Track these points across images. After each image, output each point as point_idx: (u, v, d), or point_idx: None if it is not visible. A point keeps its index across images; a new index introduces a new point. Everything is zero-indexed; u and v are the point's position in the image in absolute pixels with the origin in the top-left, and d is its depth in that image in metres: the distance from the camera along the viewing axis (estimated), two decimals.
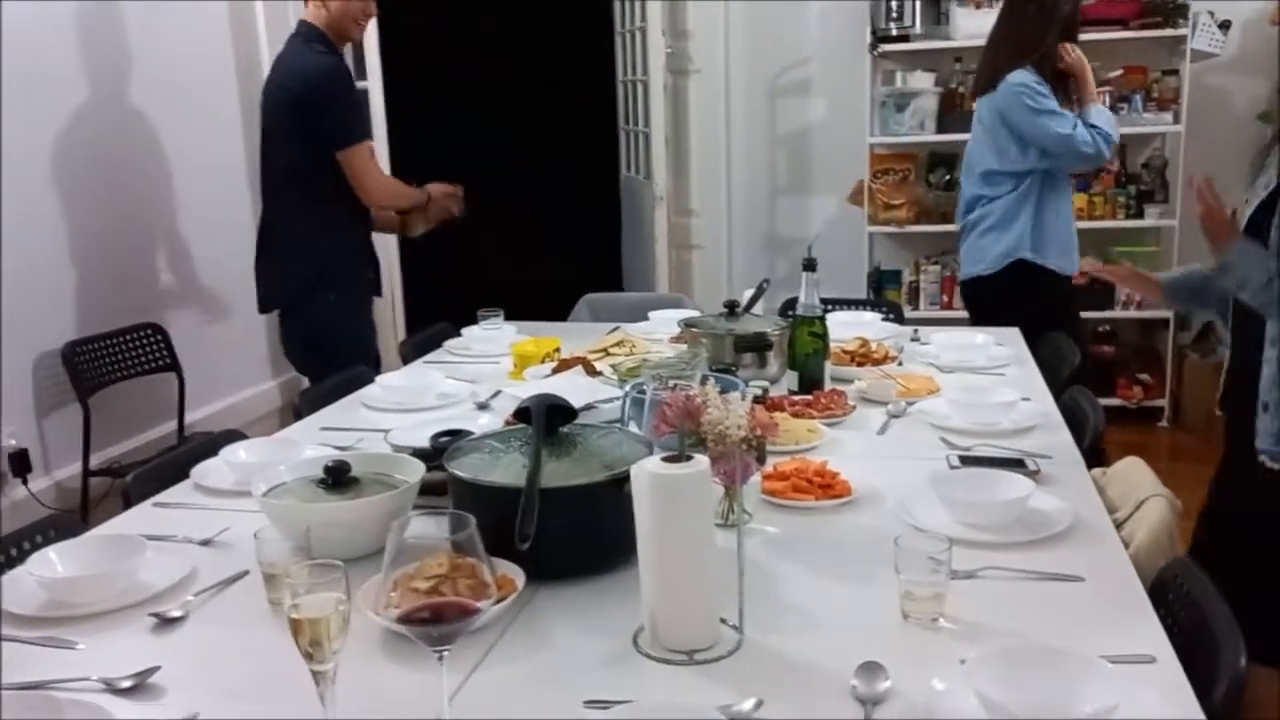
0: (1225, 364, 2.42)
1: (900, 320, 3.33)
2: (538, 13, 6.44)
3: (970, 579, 1.49)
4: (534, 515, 1.45)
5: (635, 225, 5.39)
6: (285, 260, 3.37)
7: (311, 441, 2.23)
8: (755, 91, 5.29)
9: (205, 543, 1.75)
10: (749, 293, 2.91)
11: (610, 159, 5.68)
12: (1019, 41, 3.35)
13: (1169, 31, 4.55)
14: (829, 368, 2.43)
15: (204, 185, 4.29)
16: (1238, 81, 4.78)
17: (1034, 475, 1.85)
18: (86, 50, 3.75)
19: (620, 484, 1.53)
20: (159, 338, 3.74)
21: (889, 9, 4.78)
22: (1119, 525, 1.70)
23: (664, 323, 3.21)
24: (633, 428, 1.93)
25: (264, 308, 3.48)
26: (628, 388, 1.95)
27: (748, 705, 1.19)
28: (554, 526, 1.47)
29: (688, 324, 2.68)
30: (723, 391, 2.10)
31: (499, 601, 1.37)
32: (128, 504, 1.97)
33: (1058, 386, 2.54)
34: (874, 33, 4.80)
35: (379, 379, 2.70)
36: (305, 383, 3.70)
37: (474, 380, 2.72)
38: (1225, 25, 4.50)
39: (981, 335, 2.83)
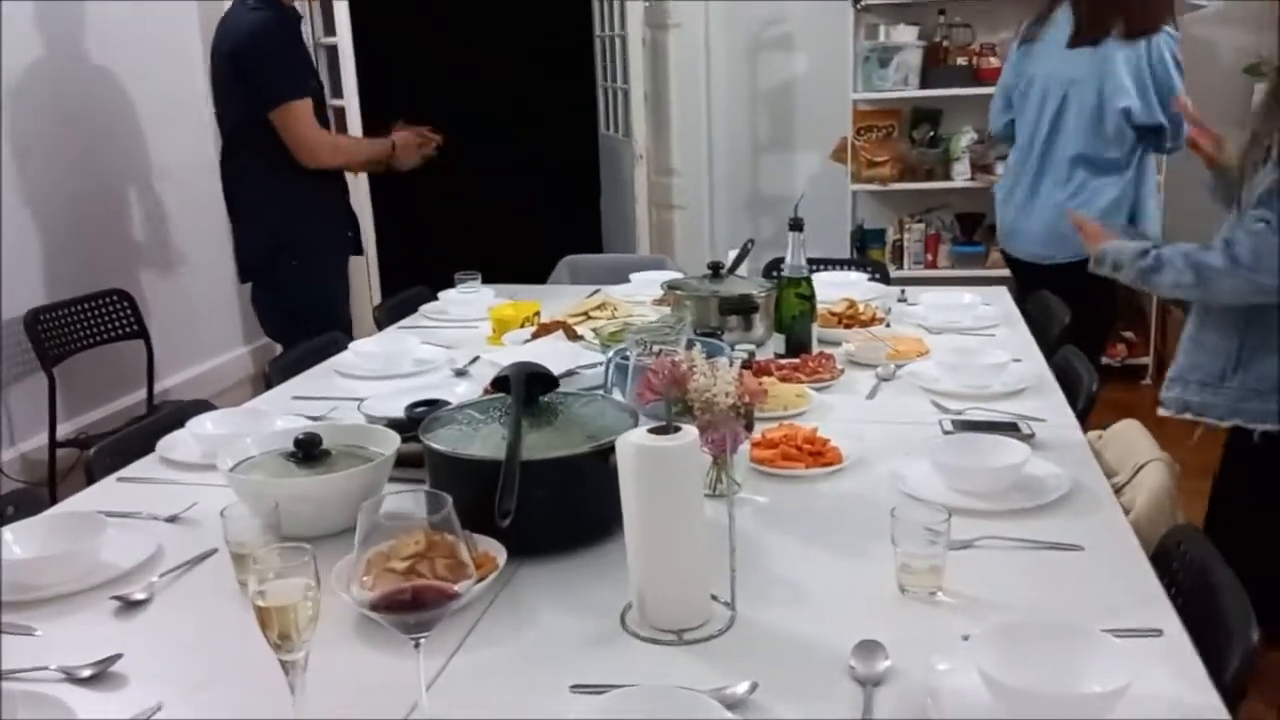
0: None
1: (886, 280, 3.27)
2: None
3: (966, 549, 1.44)
4: (515, 490, 1.38)
5: (615, 185, 5.30)
6: (248, 228, 3.28)
7: (282, 412, 2.15)
8: (736, 46, 5.18)
9: (171, 519, 1.68)
10: (733, 253, 2.84)
11: (588, 117, 5.57)
12: None
13: None
14: (816, 330, 2.37)
15: (174, 145, 4.16)
16: (1225, 33, 4.71)
17: (1028, 439, 1.80)
18: (39, 5, 3.61)
19: (604, 455, 1.47)
20: (126, 304, 3.64)
21: None
22: (1118, 490, 1.65)
23: (646, 285, 3.13)
24: (616, 395, 1.87)
25: (242, 277, 3.39)
26: (611, 354, 1.89)
27: (741, 688, 1.13)
28: (536, 500, 1.41)
29: (671, 286, 2.61)
30: (708, 356, 2.05)
31: (480, 581, 1.31)
32: (91, 479, 1.89)
33: (1048, 346, 2.49)
34: None
35: (352, 345, 2.62)
36: (279, 350, 3.62)
37: (451, 346, 2.64)
38: None
39: (969, 295, 2.77)
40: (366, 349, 2.57)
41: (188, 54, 4.27)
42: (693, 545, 1.28)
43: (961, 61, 4.68)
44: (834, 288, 2.88)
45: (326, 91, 3.61)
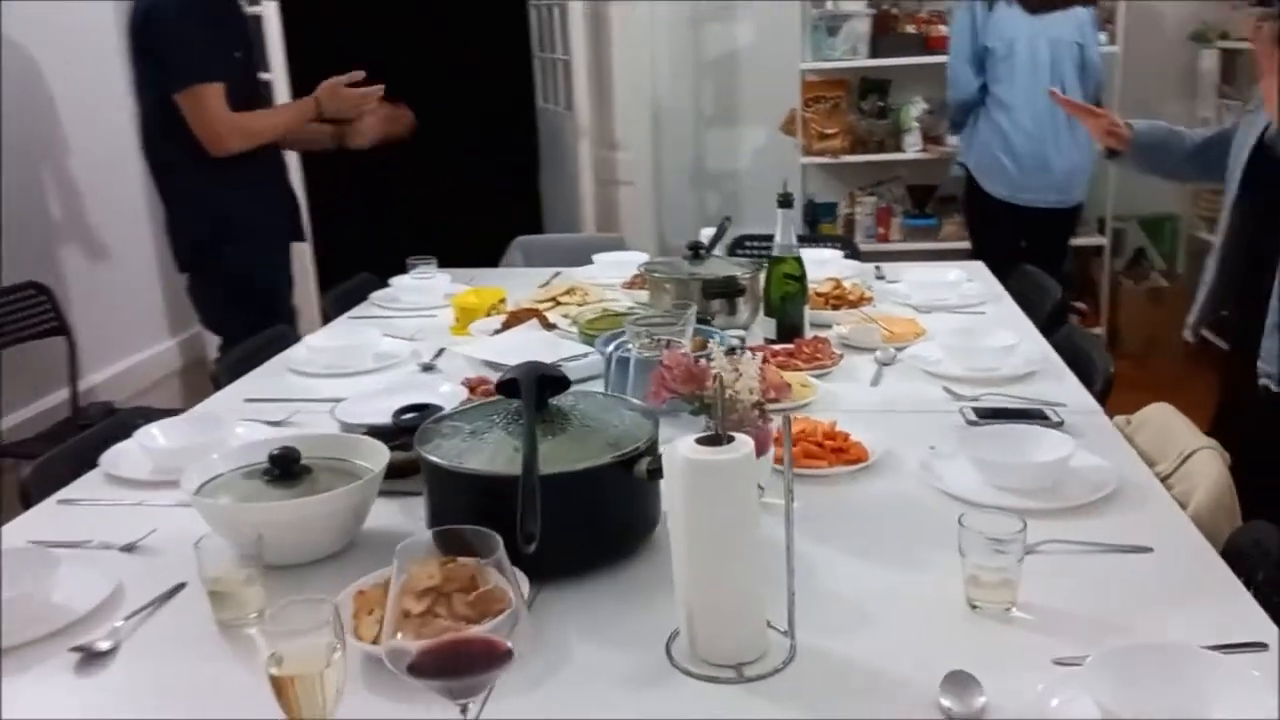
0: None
1: (857, 256, 3.15)
2: None
3: (1029, 554, 1.31)
4: (537, 509, 1.22)
5: (556, 161, 5.10)
6: (181, 214, 3.02)
7: (237, 416, 1.95)
8: (680, 15, 5.01)
9: (128, 549, 1.48)
10: (708, 232, 2.70)
11: (524, 89, 5.36)
12: None
13: None
14: (808, 313, 2.24)
15: (91, 127, 3.84)
16: (1169, 3, 4.69)
17: (1058, 428, 1.70)
18: None
19: (629, 465, 1.32)
20: (44, 298, 3.35)
21: None
22: (1163, 481, 1.55)
23: (611, 266, 2.98)
24: (620, 391, 1.72)
25: (180, 266, 3.12)
26: (610, 347, 1.73)
27: None
28: (556, 518, 1.25)
29: (649, 268, 2.46)
30: (705, 344, 1.90)
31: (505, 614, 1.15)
32: (27, 502, 1.67)
33: (1040, 323, 2.40)
34: None
35: (306, 340, 2.42)
36: (210, 341, 3.37)
37: (412, 337, 2.46)
38: None
39: (954, 271, 2.67)
40: (321, 343, 2.37)
41: (105, 29, 3.95)
42: (751, 568, 1.13)
43: (910, 30, 4.58)
44: (811, 266, 2.74)
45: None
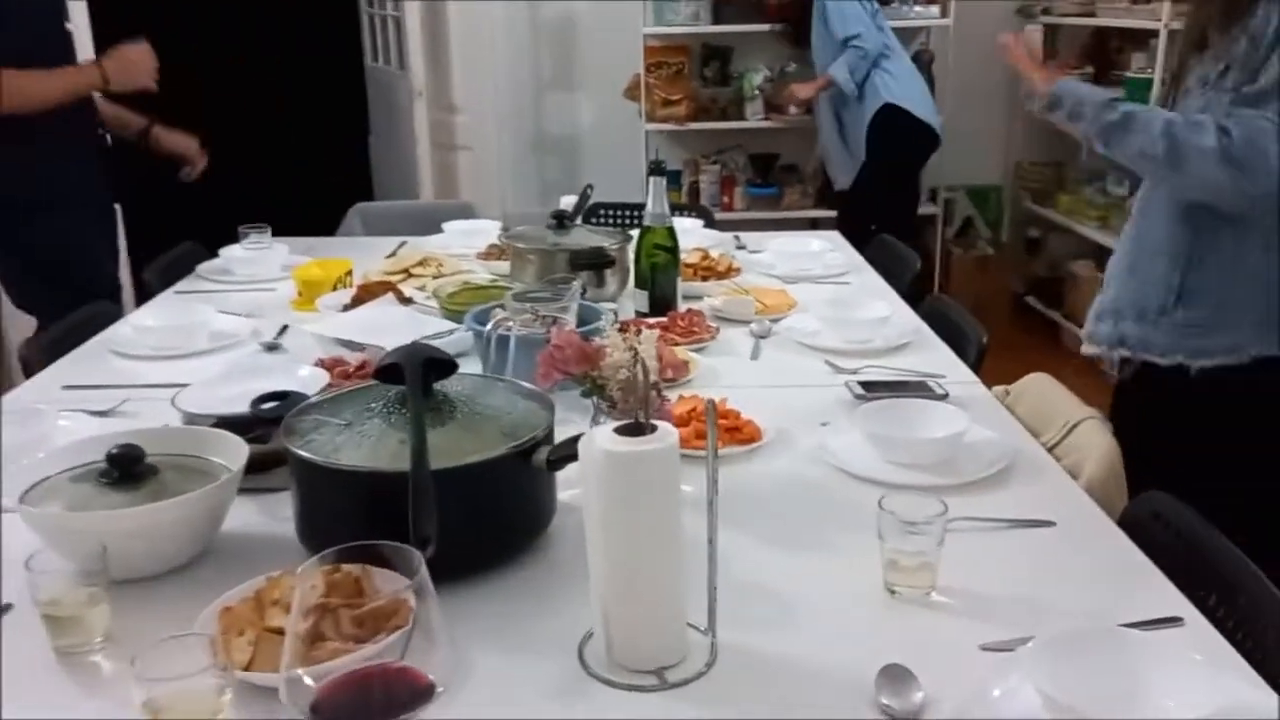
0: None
1: (712, 225, 3.10)
2: None
3: None
4: (431, 507, 1.10)
5: (388, 123, 4.86)
6: None
7: (56, 407, 1.73)
8: None
9: None
10: (568, 200, 2.59)
11: (351, 46, 5.07)
12: None
13: None
14: (681, 285, 2.18)
15: None
16: None
17: (943, 400, 1.69)
18: None
19: (527, 455, 1.22)
20: None
21: None
22: (1050, 452, 1.56)
23: (462, 235, 2.83)
24: (500, 374, 1.60)
25: None
26: (489, 325, 1.61)
27: None
28: (450, 516, 1.13)
29: (510, 239, 2.33)
30: (584, 322, 1.80)
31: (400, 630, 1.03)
32: None
33: (902, 293, 2.41)
34: None
35: (129, 318, 2.19)
36: (21, 325, 3.03)
37: (250, 314, 2.26)
38: None
39: (817, 241, 2.66)
40: (147, 322, 2.15)
41: None
42: (674, 566, 1.05)
43: None
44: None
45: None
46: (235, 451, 1.32)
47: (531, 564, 1.25)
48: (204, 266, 2.64)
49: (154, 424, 1.61)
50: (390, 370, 1.26)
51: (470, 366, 1.84)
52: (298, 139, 5.66)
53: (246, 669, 1.01)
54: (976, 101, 4.72)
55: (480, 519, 1.20)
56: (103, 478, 1.26)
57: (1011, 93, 4.89)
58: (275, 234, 2.72)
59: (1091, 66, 4.42)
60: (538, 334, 1.55)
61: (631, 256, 2.26)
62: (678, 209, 3.39)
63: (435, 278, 2.41)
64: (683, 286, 2.22)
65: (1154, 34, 3.92)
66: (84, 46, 3.67)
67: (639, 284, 2.16)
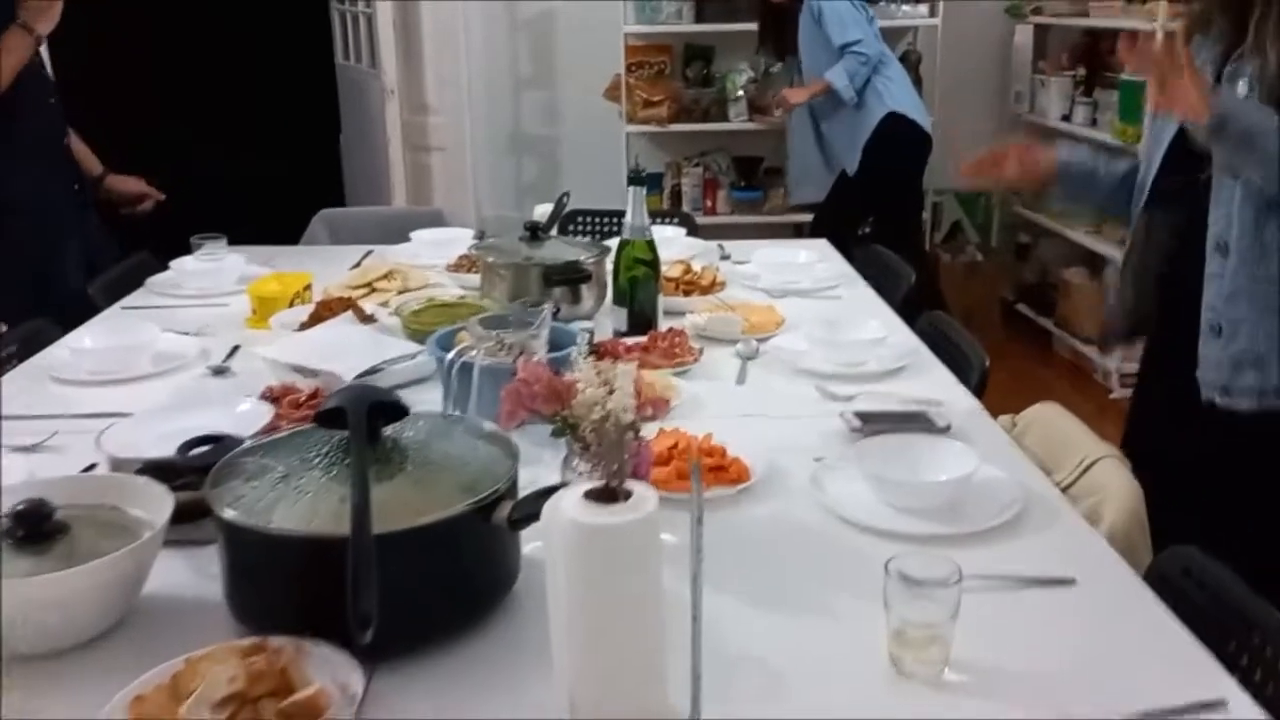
0: (1124, 305, 1.88)
1: (694, 231, 2.96)
2: None
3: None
4: (373, 582, 0.96)
5: (360, 124, 4.70)
6: None
7: None
8: None
9: None
10: (542, 209, 2.45)
11: (322, 44, 4.90)
12: None
13: None
14: (662, 301, 2.04)
15: None
16: None
17: (945, 433, 1.56)
18: None
19: (487, 512, 1.08)
20: None
21: None
22: (1064, 492, 1.43)
23: (431, 245, 2.69)
24: (463, 408, 1.46)
25: None
26: (450, 354, 1.46)
27: None
28: (398, 585, 0.99)
29: (480, 251, 2.19)
30: (558, 346, 1.67)
31: None
32: None
33: (895, 308, 2.28)
34: None
35: (66, 339, 2.03)
36: None
37: (200, 332, 2.11)
38: None
39: (804, 252, 2.52)
40: (86, 344, 1.99)
41: None
42: (650, 650, 0.92)
43: None
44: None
45: None
46: (159, 504, 1.17)
47: (492, 634, 1.10)
48: (153, 280, 2.48)
49: (84, 460, 1.48)
50: (332, 415, 1.11)
51: (432, 394, 1.71)
52: (264, 140, 5.47)
53: None
54: (965, 103, 4.59)
55: (433, 587, 1.06)
56: (6, 537, 1.11)
57: (1001, 93, 4.78)
58: (238, 242, 2.56)
59: (1083, 68, 4.31)
60: (504, 364, 1.40)
61: (609, 270, 2.12)
62: (658, 216, 3.26)
63: (401, 292, 2.27)
64: (664, 302, 2.08)
65: (1149, 35, 3.81)
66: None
67: (617, 300, 2.02)
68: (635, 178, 2.01)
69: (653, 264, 2.01)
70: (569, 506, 0.88)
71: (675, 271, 2.27)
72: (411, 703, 1.00)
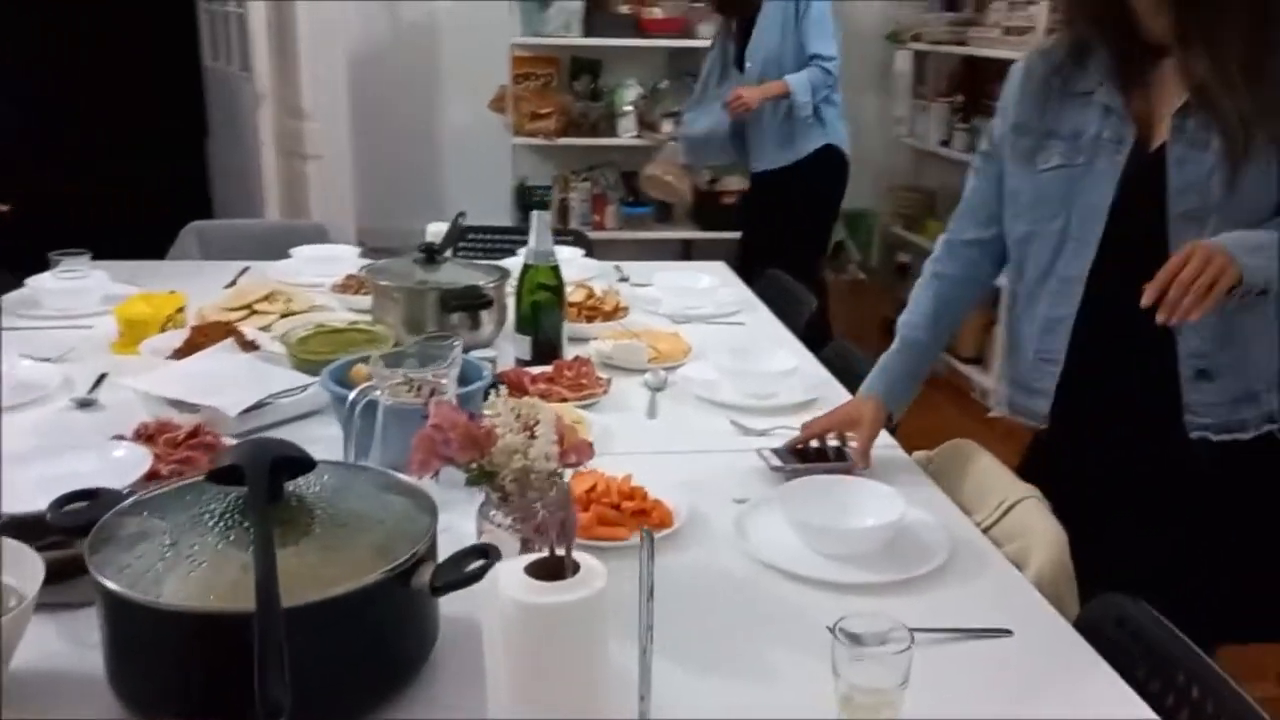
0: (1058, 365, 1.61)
1: (590, 252, 2.89)
2: None
3: (885, 645, 1.11)
4: (283, 664, 0.86)
5: (229, 129, 4.48)
6: None
7: None
8: None
9: None
10: (435, 229, 2.35)
11: (186, 42, 4.65)
12: None
13: None
14: (566, 328, 1.96)
15: None
16: (864, 3, 4.78)
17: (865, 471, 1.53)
18: None
19: (407, 576, 0.99)
20: None
21: None
22: (984, 534, 1.41)
23: (314, 263, 2.55)
24: (366, 452, 1.35)
25: None
26: (353, 394, 1.36)
27: None
28: (307, 662, 0.89)
29: (372, 273, 2.07)
30: (464, 379, 1.58)
31: None
32: None
33: (798, 334, 2.26)
34: None
35: None
36: None
37: (62, 358, 1.93)
38: None
39: (707, 277, 2.48)
40: None
41: None
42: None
43: (624, 10, 4.39)
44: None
45: None
46: (28, 570, 1.04)
47: (415, 703, 1.01)
48: (8, 299, 2.27)
49: None
50: (227, 473, 1.00)
51: (324, 430, 1.59)
52: (124, 145, 5.14)
53: None
54: (852, 126, 4.64)
55: (347, 661, 0.96)
56: None
57: (885, 117, 4.86)
58: (100, 256, 2.37)
59: (962, 95, 4.42)
60: (412, 406, 1.31)
61: (510, 295, 2.04)
62: (518, 231, 3.17)
63: (284, 316, 2.13)
64: (567, 328, 2.01)
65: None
66: None
67: (520, 328, 1.94)
68: (539, 202, 1.95)
69: (557, 290, 1.94)
70: (510, 584, 0.81)
71: (578, 296, 2.19)
72: None
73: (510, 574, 0.81)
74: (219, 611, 0.90)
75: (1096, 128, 1.50)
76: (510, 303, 2.06)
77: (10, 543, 1.07)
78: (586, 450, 1.27)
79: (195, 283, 2.33)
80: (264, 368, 1.77)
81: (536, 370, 1.85)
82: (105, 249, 2.46)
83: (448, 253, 2.16)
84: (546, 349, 1.92)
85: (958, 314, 1.74)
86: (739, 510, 1.41)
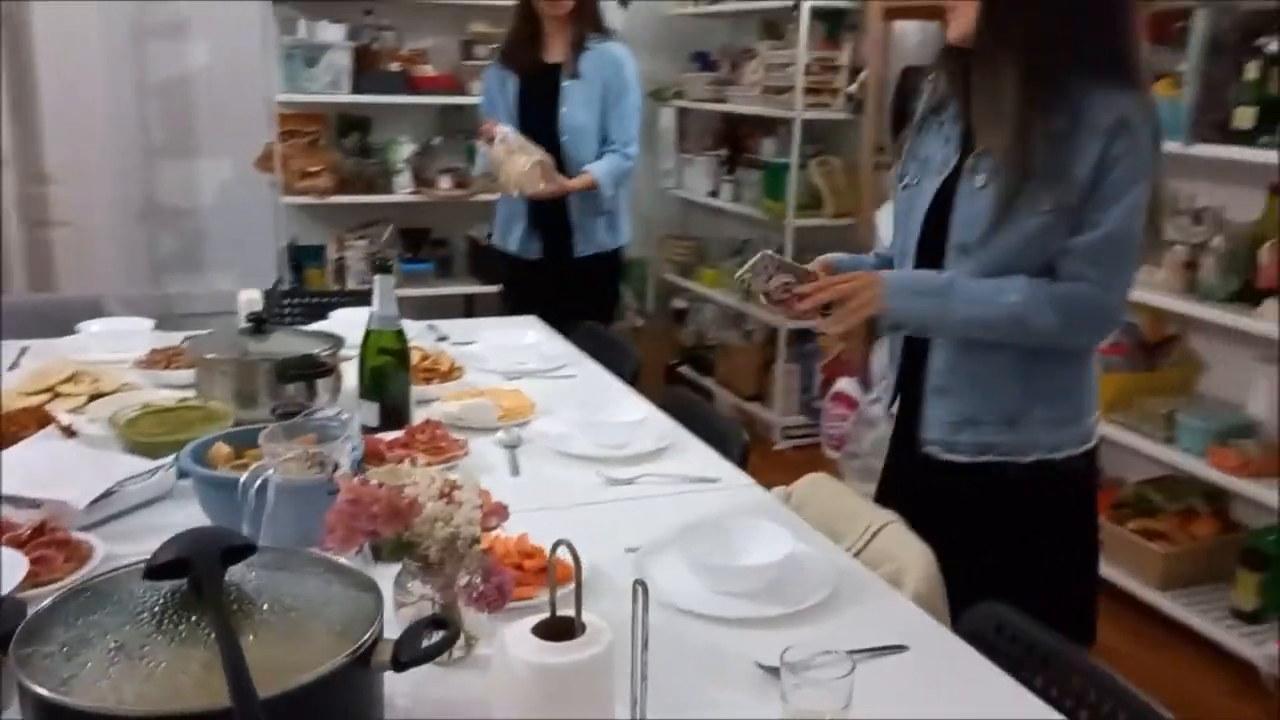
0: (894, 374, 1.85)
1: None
2: None
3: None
4: None
5: None
6: None
7: None
8: (116, 26, 4.27)
9: None
10: (248, 296, 2.26)
11: None
12: None
13: None
14: (413, 392, 1.95)
15: None
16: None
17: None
18: None
19: (367, 656, 0.97)
20: None
21: None
22: (854, 559, 1.53)
23: (106, 339, 2.38)
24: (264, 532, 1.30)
25: None
26: (244, 476, 1.30)
27: None
28: None
29: (196, 345, 1.97)
30: (323, 440, 1.54)
31: None
32: None
33: (628, 385, 2.34)
34: None
35: None
36: None
37: None
38: (624, 1, 4.63)
39: (532, 333, 2.52)
40: None
41: None
42: None
43: (394, 67, 4.36)
44: (355, 331, 2.31)
45: None
46: None
47: None
48: None
49: None
50: (169, 568, 0.95)
51: (175, 513, 1.51)
52: None
53: None
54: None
55: None
56: None
57: (654, 170, 5.06)
58: None
59: (726, 149, 4.68)
60: (312, 482, 1.27)
61: (344, 362, 2.00)
62: (335, 295, 3.12)
63: (93, 397, 1.98)
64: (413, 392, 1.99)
65: (785, 122, 4.22)
66: None
67: (364, 394, 1.90)
68: (382, 266, 1.92)
69: (401, 354, 1.92)
70: (519, 646, 0.82)
71: (414, 358, 2.17)
72: None
73: (518, 637, 0.83)
74: (197, 712, 0.86)
75: (937, 153, 1.67)
76: (344, 369, 2.02)
77: None
78: (503, 511, 1.29)
79: None
80: (97, 454, 1.65)
81: (389, 436, 1.82)
82: None
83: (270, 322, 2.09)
84: (394, 414, 1.90)
85: None
86: (634, 559, 1.45)
